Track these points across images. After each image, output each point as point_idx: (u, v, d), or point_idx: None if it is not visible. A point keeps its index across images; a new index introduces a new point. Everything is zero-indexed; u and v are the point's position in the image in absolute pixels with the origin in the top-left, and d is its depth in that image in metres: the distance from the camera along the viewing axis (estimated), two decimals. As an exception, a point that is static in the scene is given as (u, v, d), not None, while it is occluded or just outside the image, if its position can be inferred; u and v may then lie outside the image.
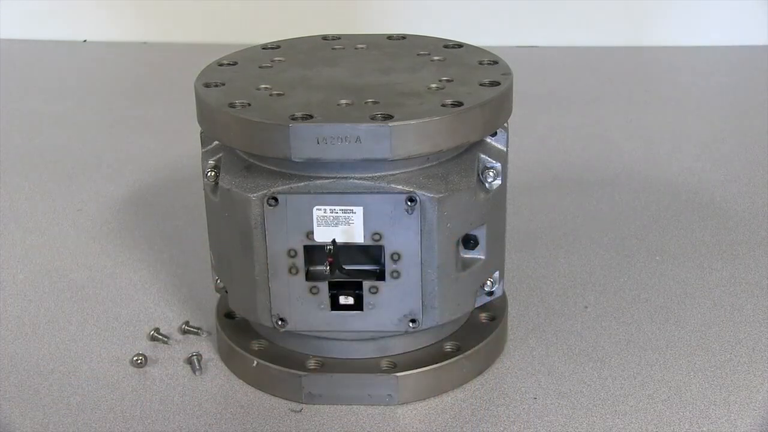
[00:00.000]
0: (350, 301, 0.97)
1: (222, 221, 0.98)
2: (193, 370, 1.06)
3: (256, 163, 0.96)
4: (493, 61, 1.05)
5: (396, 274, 0.95)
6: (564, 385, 1.03)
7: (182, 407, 1.01)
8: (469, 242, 0.98)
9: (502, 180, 0.99)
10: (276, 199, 0.93)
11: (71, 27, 2.37)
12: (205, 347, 1.10)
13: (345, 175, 0.93)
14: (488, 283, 1.02)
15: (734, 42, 2.22)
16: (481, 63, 1.05)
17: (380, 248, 0.94)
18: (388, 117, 0.90)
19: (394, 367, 1.00)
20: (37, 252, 1.33)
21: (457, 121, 0.92)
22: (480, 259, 1.00)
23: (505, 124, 1.01)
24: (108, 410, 1.01)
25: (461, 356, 1.03)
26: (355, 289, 0.96)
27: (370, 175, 0.93)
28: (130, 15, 2.36)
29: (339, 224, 0.93)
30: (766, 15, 2.20)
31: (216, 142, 1.02)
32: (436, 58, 1.07)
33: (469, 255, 0.99)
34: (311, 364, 1.01)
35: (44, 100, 1.97)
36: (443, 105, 0.93)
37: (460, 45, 1.11)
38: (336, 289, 0.97)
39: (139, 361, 1.07)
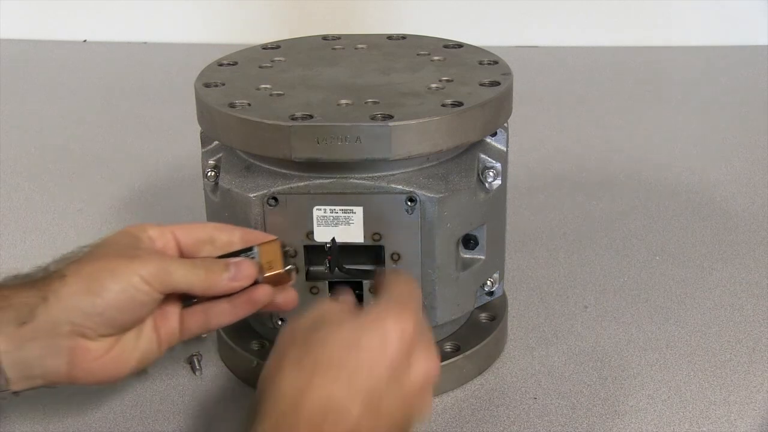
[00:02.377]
0: (350, 301, 0.97)
1: (222, 221, 0.98)
2: (193, 370, 1.06)
3: (256, 163, 0.96)
4: (493, 61, 1.05)
5: (396, 274, 0.95)
6: (564, 385, 1.03)
7: (182, 407, 1.01)
8: (469, 242, 0.98)
9: (502, 180, 0.99)
10: (276, 199, 0.93)
11: (71, 27, 2.37)
12: (205, 347, 1.10)
13: (345, 175, 0.93)
14: (488, 283, 1.02)
15: (734, 42, 2.22)
16: (481, 63, 1.05)
17: (380, 248, 0.94)
18: (388, 117, 0.90)
19: (394, 367, 1.00)
20: (37, 252, 1.33)
21: (457, 121, 0.92)
22: (480, 259, 1.00)
23: (505, 124, 1.01)
24: (108, 410, 1.01)
25: (461, 356, 1.03)
26: (356, 289, 0.96)
27: (370, 175, 0.93)
28: (130, 15, 2.36)
29: (339, 224, 0.93)
30: (766, 15, 2.20)
31: (216, 142, 1.01)
32: (436, 58, 1.06)
33: (469, 255, 0.99)
34: (311, 364, 1.01)
35: (44, 100, 1.97)
36: (443, 105, 0.93)
37: (460, 45, 1.11)
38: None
39: (139, 361, 1.07)
